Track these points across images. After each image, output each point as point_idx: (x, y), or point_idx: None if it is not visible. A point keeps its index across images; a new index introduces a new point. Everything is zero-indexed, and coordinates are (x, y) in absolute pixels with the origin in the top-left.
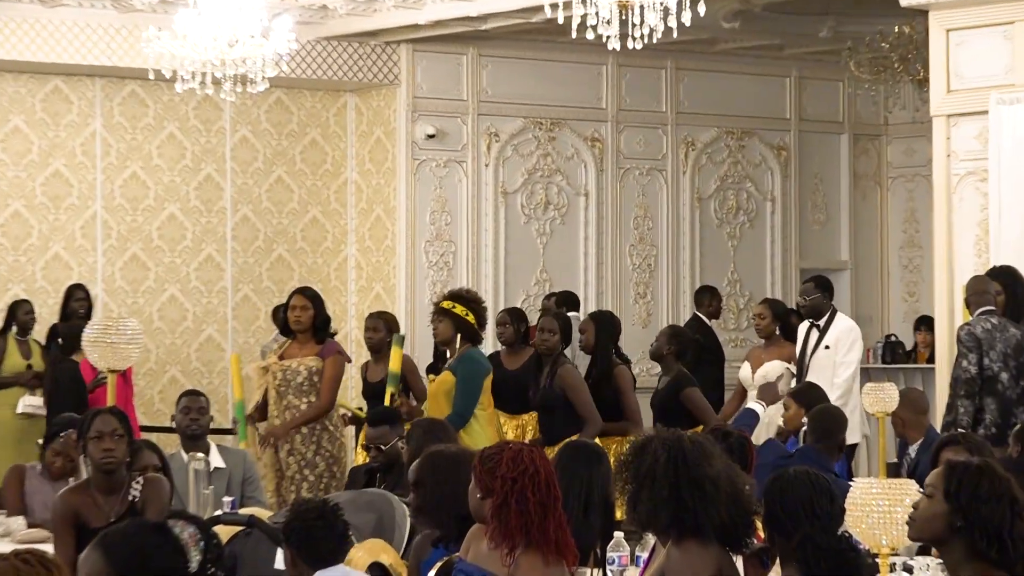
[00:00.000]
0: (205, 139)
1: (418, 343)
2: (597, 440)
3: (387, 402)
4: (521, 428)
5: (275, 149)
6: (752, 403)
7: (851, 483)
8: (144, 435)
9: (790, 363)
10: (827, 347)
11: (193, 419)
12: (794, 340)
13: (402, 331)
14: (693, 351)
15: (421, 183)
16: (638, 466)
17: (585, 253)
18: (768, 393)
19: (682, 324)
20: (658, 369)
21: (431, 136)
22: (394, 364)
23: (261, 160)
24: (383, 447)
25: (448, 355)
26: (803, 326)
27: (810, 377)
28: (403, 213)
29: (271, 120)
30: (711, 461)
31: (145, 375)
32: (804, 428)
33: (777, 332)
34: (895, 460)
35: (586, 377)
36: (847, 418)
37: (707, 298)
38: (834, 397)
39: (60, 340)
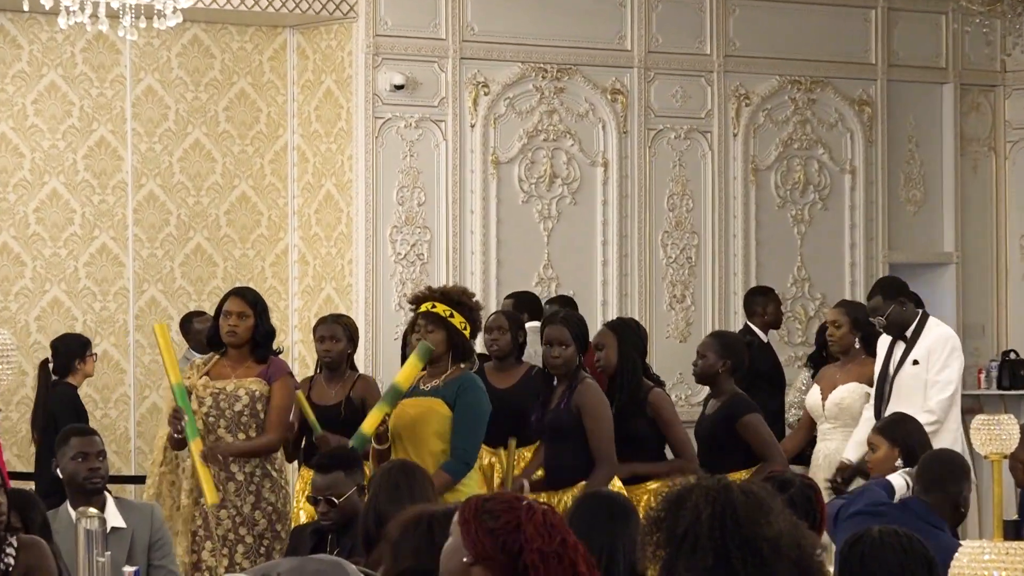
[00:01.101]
0: (98, 91)
1: (382, 362)
2: (620, 489)
3: (375, 419)
4: (504, 465)
5: (191, 105)
6: (897, 475)
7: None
8: (18, 484)
9: (872, 385)
10: (916, 362)
11: (92, 468)
12: (876, 353)
13: (362, 343)
14: (748, 368)
15: (386, 150)
16: (674, 525)
17: (604, 243)
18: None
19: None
20: (698, 398)
21: (399, 87)
22: (407, 379)
23: (173, 119)
24: (336, 500)
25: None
26: (884, 337)
27: (895, 402)
28: (361, 189)
29: (186, 66)
30: (770, 518)
31: (20, 404)
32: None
33: (857, 345)
34: (1015, 517)
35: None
36: (968, 465)
37: (763, 303)
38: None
39: (52, 357)
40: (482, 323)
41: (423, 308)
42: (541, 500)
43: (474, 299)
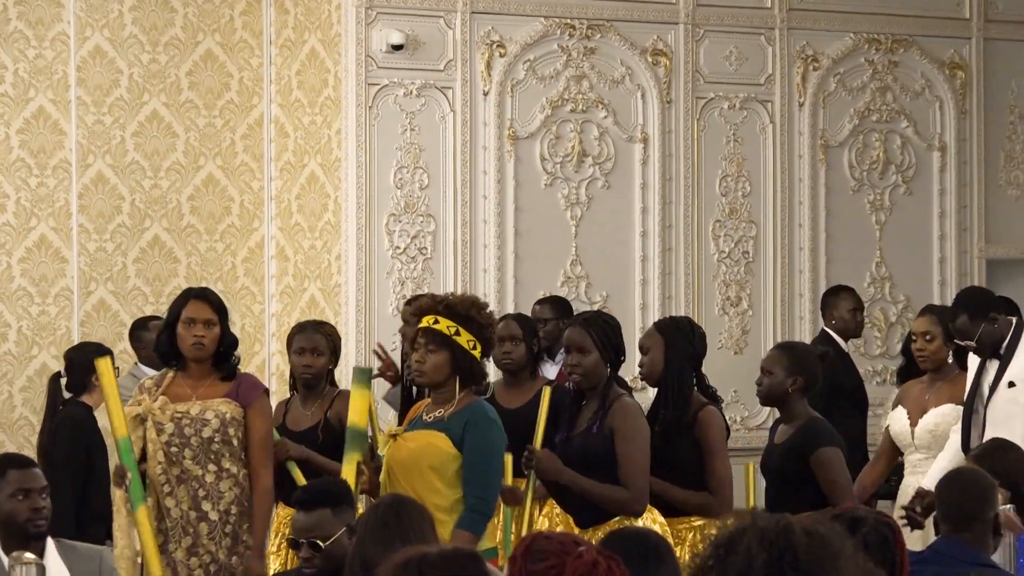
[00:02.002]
0: (35, 52)
1: (377, 381)
2: (661, 526)
3: (350, 470)
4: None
5: (148, 69)
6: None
7: None
8: None
9: None
10: (1012, 384)
11: (35, 508)
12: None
13: (353, 355)
14: (825, 385)
15: (381, 123)
16: (724, 571)
17: (643, 234)
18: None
19: (807, 341)
20: (757, 420)
21: (398, 48)
22: (360, 415)
23: (125, 86)
24: (321, 543)
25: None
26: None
27: (991, 428)
28: (352, 171)
29: (141, 22)
30: (837, 563)
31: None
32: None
33: (950, 359)
34: None
35: (651, 422)
36: (992, 479)
37: (843, 304)
38: None
39: (64, 371)
40: (495, 340)
41: (424, 323)
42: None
43: (486, 311)
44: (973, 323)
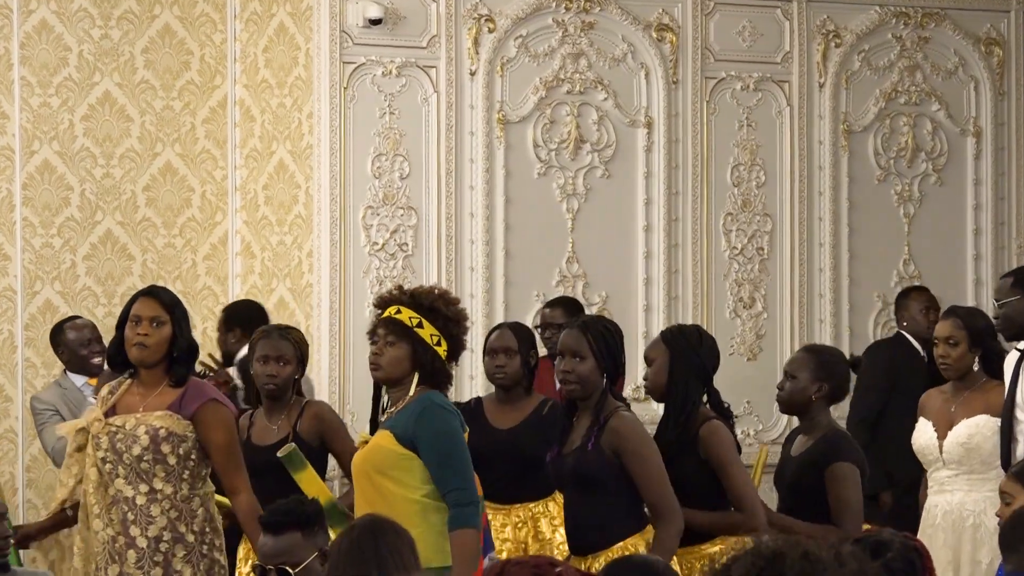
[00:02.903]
0: None
1: (353, 388)
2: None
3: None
4: (527, 525)
5: (99, 45)
6: None
7: None
8: None
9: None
10: None
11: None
12: (1001, 376)
13: (326, 363)
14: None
15: (358, 106)
16: None
17: (647, 228)
18: None
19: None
20: (772, 434)
21: (375, 22)
22: (317, 492)
23: (74, 65)
24: (290, 570)
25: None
26: (1012, 356)
27: None
28: (325, 158)
29: None
30: None
31: None
32: None
33: (976, 366)
34: None
35: (657, 442)
36: None
37: (913, 305)
38: None
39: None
40: (465, 338)
41: (385, 314)
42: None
43: (456, 306)
44: (1012, 290)
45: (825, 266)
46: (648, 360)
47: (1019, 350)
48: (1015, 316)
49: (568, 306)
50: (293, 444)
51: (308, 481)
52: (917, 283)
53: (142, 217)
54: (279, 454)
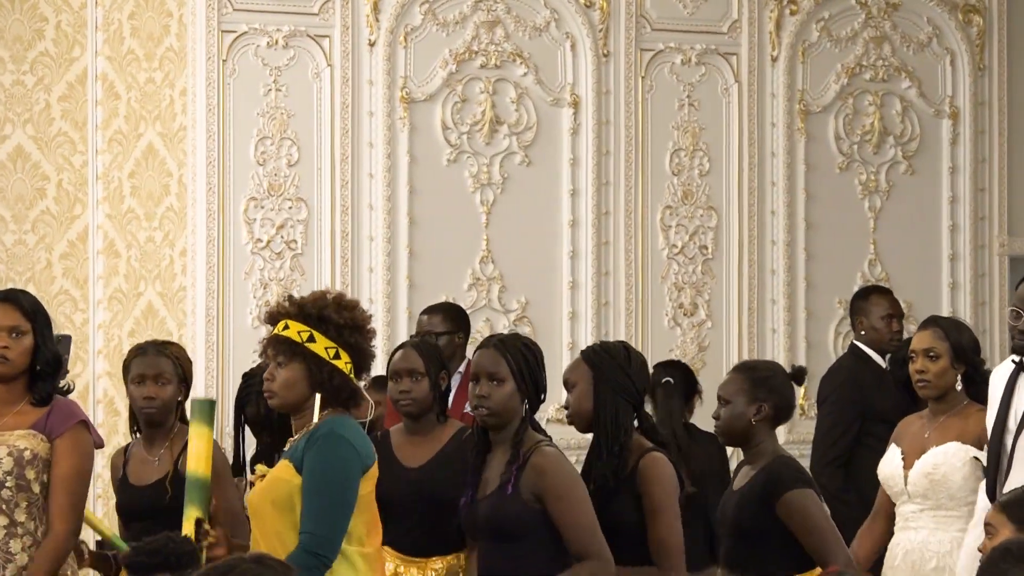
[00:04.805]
0: None
1: (231, 404)
2: None
3: (188, 529)
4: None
5: None
6: None
7: None
8: None
9: (982, 447)
10: None
11: None
12: (985, 400)
13: (202, 378)
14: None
15: (239, 81)
16: None
17: (572, 223)
18: None
19: (781, 360)
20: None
21: None
22: (199, 461)
23: None
24: None
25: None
26: (1002, 369)
27: (1019, 472)
28: (201, 142)
29: None
30: None
31: None
32: None
33: (959, 386)
34: None
35: (585, 478)
36: None
37: (874, 310)
38: None
39: None
40: (371, 345)
41: (275, 331)
42: None
43: (350, 310)
44: None
45: (778, 267)
46: (568, 384)
47: (1015, 362)
48: None
49: (448, 312)
50: (214, 399)
51: (200, 438)
52: (885, 286)
53: None
54: (192, 399)
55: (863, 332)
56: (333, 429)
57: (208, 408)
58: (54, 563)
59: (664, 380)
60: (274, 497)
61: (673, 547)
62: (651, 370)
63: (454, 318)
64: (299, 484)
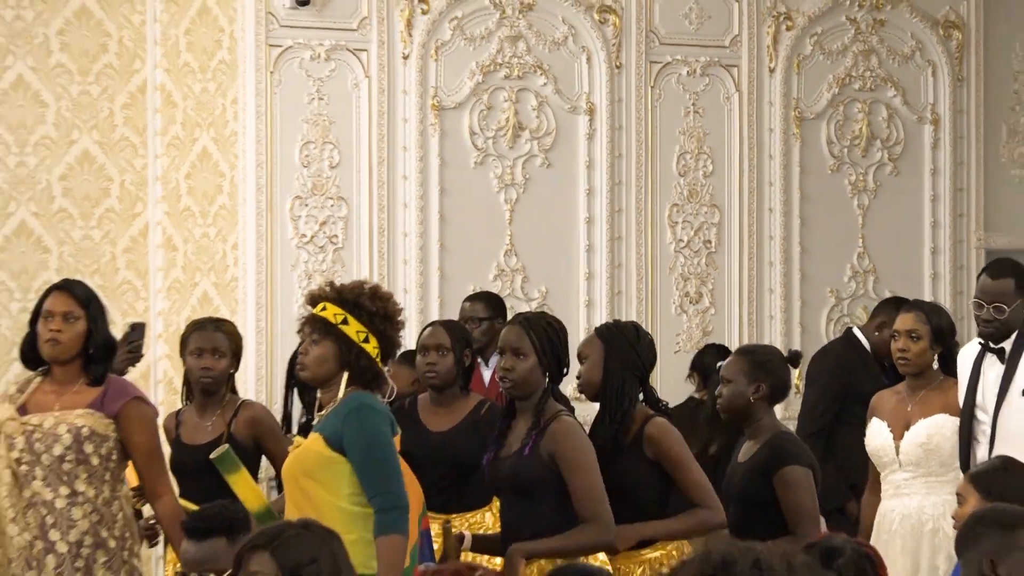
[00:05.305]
0: None
1: (279, 384)
2: (602, 563)
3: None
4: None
5: (10, 27)
6: None
7: None
8: None
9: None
10: None
11: None
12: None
13: (253, 360)
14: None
15: (285, 91)
16: None
17: (588, 220)
18: None
19: (778, 344)
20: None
21: (303, 3)
22: (253, 498)
23: None
24: None
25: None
26: (968, 350)
27: (1001, 445)
28: (251, 146)
29: None
30: None
31: None
32: None
33: (936, 364)
34: None
35: (591, 437)
36: None
37: (888, 314)
38: None
39: None
40: (398, 334)
41: (313, 311)
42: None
43: (384, 300)
44: (1017, 291)
45: (775, 260)
46: (581, 357)
47: (981, 344)
48: (1015, 321)
49: (490, 300)
50: (227, 445)
51: (241, 484)
52: (872, 277)
53: (58, 208)
54: (212, 456)
55: (876, 332)
56: (362, 402)
57: (227, 456)
58: (176, 522)
59: (719, 365)
60: (305, 467)
61: (707, 487)
62: (697, 352)
63: (494, 305)
64: (329, 456)
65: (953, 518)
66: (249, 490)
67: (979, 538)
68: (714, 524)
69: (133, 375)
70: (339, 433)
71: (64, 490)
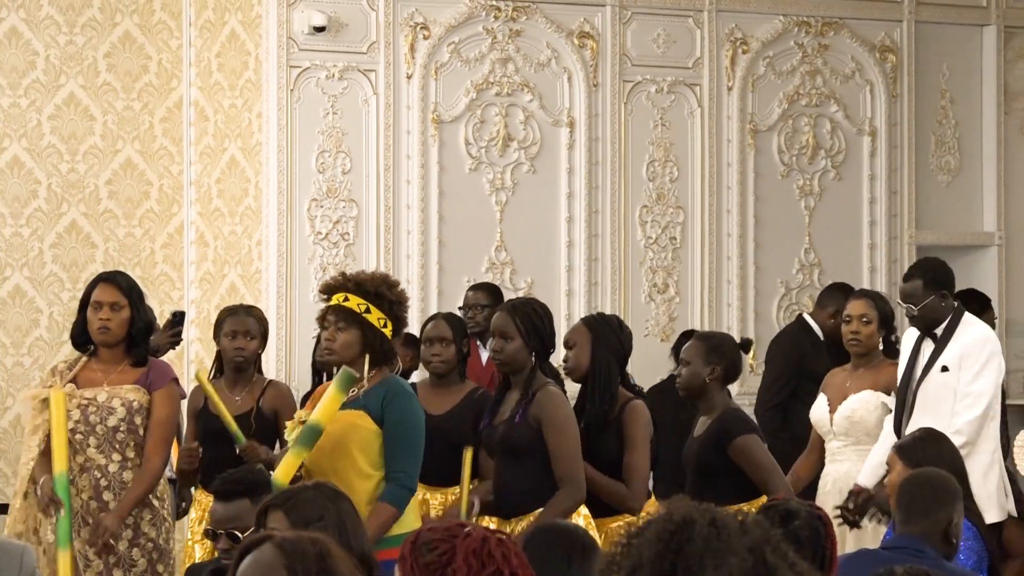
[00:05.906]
0: None
1: (297, 366)
2: (585, 519)
3: (291, 464)
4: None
5: (64, 50)
6: None
7: None
8: None
9: (890, 394)
10: (945, 368)
11: None
12: (897, 356)
13: (273, 342)
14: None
15: (303, 106)
16: (619, 568)
17: (569, 220)
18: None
19: (732, 331)
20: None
21: (320, 29)
22: (326, 413)
23: (42, 68)
24: (239, 534)
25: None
26: (909, 334)
27: (920, 415)
28: (273, 154)
29: (57, 3)
30: (724, 559)
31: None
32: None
33: (880, 346)
34: None
35: (577, 412)
36: (957, 487)
37: (839, 301)
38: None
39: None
40: (406, 318)
41: (334, 301)
42: (491, 526)
43: (397, 289)
44: (925, 291)
45: (733, 254)
46: (569, 343)
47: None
48: (930, 313)
49: (490, 290)
50: (354, 373)
51: (333, 400)
52: (817, 270)
53: (104, 209)
54: (343, 372)
55: (831, 320)
56: (403, 388)
57: (351, 382)
58: (150, 486)
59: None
60: (357, 443)
61: (641, 474)
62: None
63: (494, 294)
64: (376, 431)
65: (885, 484)
66: (333, 409)
67: (934, 504)
68: (627, 503)
69: (169, 355)
70: (380, 411)
71: (116, 456)
